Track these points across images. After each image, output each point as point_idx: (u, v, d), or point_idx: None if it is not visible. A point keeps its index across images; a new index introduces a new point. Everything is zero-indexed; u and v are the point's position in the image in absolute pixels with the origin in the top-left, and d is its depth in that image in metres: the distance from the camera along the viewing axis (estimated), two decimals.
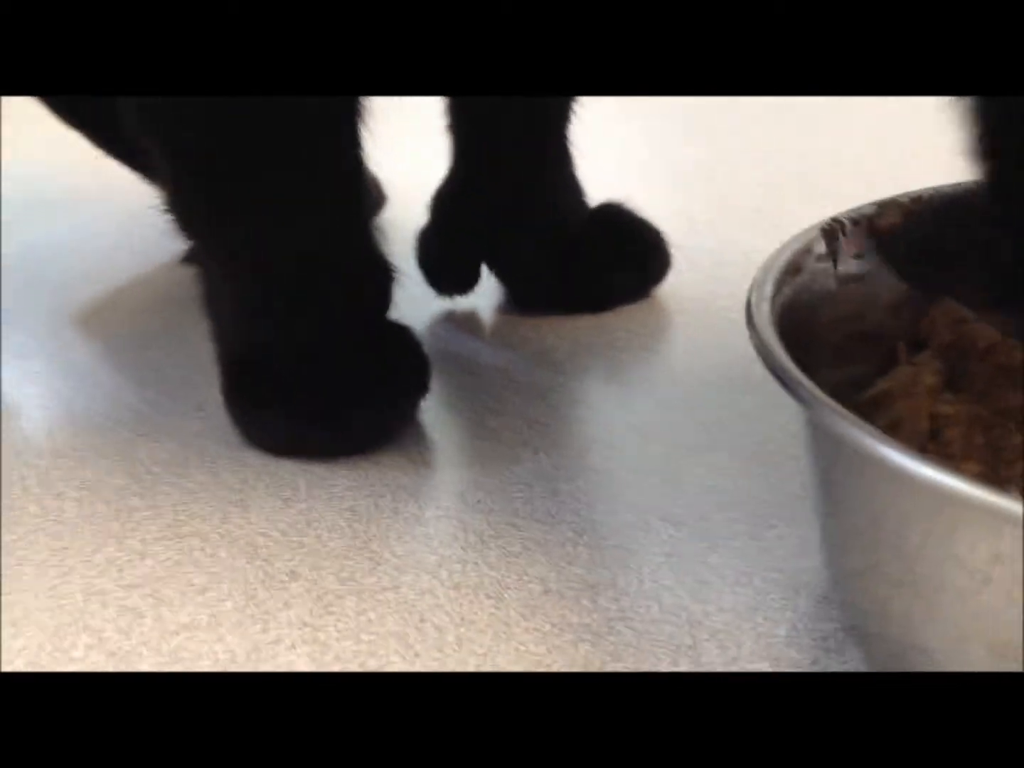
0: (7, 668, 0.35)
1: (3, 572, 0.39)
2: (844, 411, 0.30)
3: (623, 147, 0.84)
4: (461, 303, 0.60)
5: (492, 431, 0.48)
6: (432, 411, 0.49)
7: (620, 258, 0.59)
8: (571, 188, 0.60)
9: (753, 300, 0.35)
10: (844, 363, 0.37)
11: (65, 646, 0.36)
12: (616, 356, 0.55)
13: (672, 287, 0.60)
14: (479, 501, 0.43)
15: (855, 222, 0.41)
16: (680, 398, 0.50)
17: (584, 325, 0.57)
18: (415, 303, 0.58)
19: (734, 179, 0.75)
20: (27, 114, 0.65)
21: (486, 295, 0.60)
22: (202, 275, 0.48)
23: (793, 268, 0.37)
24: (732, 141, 0.82)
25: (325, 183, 0.46)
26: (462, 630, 0.36)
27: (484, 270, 0.59)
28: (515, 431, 0.48)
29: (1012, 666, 0.29)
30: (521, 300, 0.60)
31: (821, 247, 0.39)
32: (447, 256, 0.60)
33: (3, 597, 0.38)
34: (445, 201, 0.59)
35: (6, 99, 0.65)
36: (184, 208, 0.47)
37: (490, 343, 0.57)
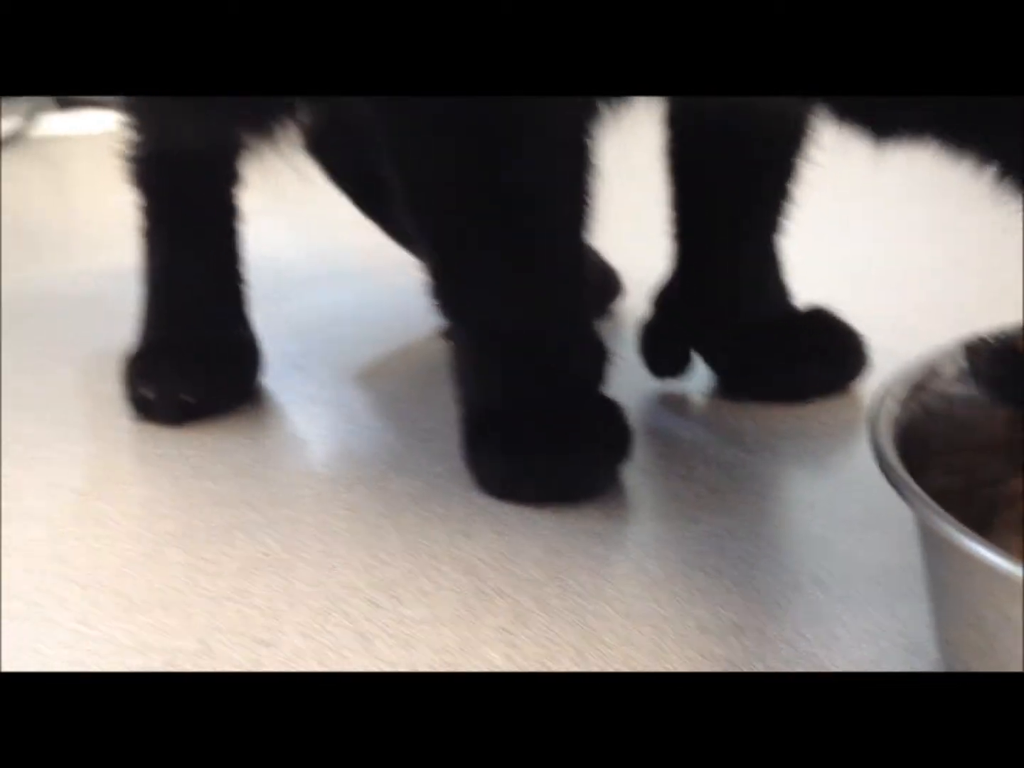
0: (287, 636, 0.46)
1: (282, 566, 0.52)
2: (928, 500, 0.36)
3: (841, 250, 0.90)
4: (673, 386, 0.69)
5: (678, 495, 0.56)
6: (632, 473, 0.58)
7: (817, 355, 0.66)
8: (776, 291, 0.68)
9: (883, 396, 0.41)
10: (953, 469, 0.43)
11: (322, 622, 0.47)
12: (803, 442, 0.62)
13: (871, 387, 0.66)
14: (657, 551, 0.51)
15: (998, 341, 0.47)
16: (851, 480, 0.57)
17: (779, 413, 0.64)
18: (636, 383, 0.67)
19: (944, 284, 0.80)
20: (329, 200, 0.80)
21: (697, 380, 0.68)
22: (454, 349, 0.60)
23: (920, 384, 0.44)
24: (948, 246, 0.87)
25: (553, 280, 0.57)
26: (626, 650, 0.45)
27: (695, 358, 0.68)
28: (699, 497, 0.56)
29: None
30: (726, 387, 0.68)
31: (948, 368, 0.45)
32: (663, 344, 0.69)
33: (281, 582, 0.50)
34: (664, 297, 0.69)
35: (312, 185, 0.80)
36: (442, 295, 0.58)
37: (692, 422, 0.66)
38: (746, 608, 0.47)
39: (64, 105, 1.78)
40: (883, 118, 0.47)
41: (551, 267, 0.56)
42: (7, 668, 0.45)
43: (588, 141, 0.54)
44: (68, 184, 1.53)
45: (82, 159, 1.56)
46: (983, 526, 0.44)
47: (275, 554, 0.53)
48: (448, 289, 0.57)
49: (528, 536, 0.53)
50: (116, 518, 0.57)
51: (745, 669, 0.43)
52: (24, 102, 1.66)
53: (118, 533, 0.55)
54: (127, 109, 0.73)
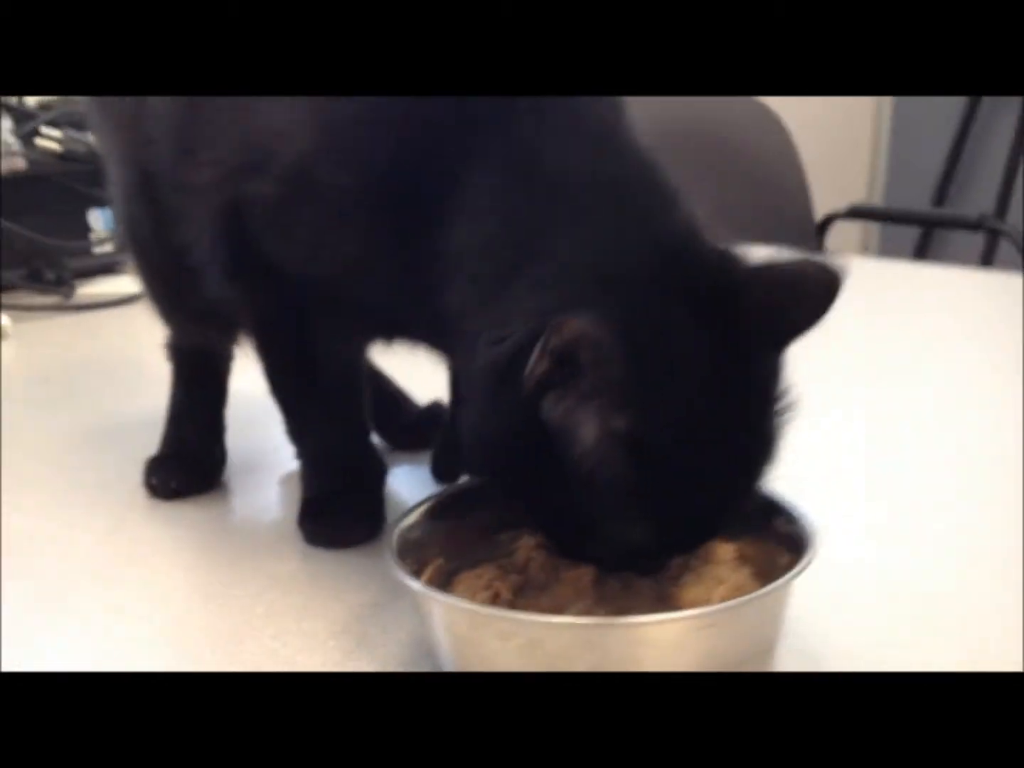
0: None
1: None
2: (408, 574, 0.82)
3: None
4: None
5: None
6: None
7: None
8: None
9: (399, 521, 0.89)
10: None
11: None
12: None
13: None
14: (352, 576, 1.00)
15: None
16: None
17: None
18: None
19: None
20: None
21: None
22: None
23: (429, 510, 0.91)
24: None
25: (343, 427, 1.07)
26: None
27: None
28: None
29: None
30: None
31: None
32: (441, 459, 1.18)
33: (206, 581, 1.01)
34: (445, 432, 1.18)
35: None
36: (287, 431, 1.09)
37: None
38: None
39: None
40: None
41: (341, 420, 1.07)
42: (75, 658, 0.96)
43: (361, 361, 1.05)
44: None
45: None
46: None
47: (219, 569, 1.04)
48: (288, 428, 1.08)
49: (318, 561, 1.03)
50: (136, 545, 1.09)
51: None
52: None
53: (137, 553, 1.08)
54: (161, 319, 1.28)
